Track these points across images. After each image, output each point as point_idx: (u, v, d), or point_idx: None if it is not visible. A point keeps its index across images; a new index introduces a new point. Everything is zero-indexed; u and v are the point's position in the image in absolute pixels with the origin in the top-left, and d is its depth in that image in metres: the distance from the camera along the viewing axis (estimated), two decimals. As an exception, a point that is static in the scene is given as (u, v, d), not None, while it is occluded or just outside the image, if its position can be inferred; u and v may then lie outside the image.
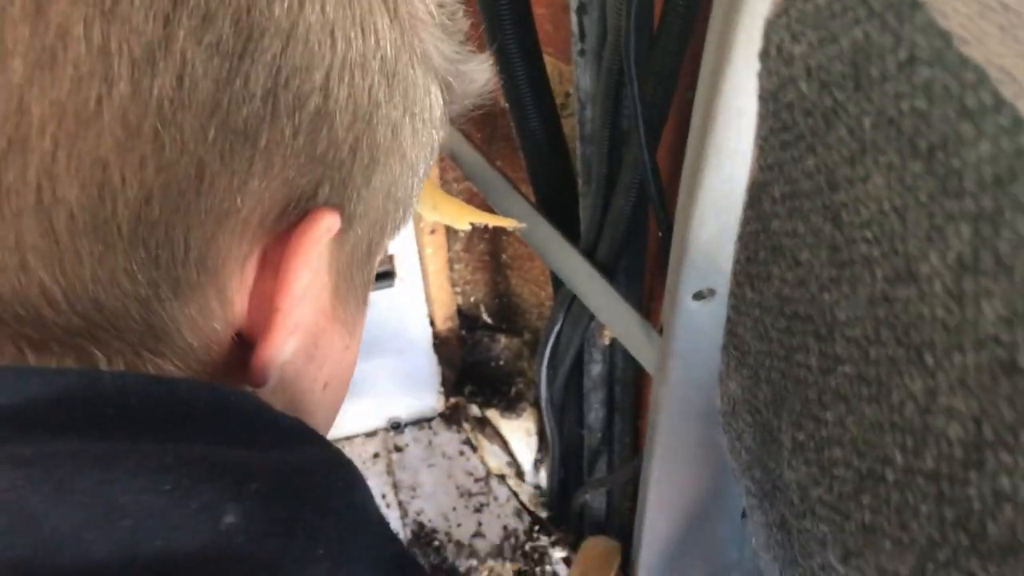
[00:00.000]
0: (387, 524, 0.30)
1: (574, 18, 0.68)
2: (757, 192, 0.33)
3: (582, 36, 0.68)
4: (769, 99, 0.29)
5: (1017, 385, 0.20)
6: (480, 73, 0.35)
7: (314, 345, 0.32)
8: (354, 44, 0.28)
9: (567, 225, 0.86)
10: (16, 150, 0.24)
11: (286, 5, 0.26)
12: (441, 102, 0.33)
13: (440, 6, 0.32)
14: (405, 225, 0.36)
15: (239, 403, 0.28)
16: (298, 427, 0.30)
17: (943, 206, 0.22)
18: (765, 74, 0.29)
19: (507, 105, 0.85)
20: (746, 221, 0.35)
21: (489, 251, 1.21)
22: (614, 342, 0.94)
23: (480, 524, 1.25)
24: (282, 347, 0.30)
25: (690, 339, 0.71)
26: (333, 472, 0.28)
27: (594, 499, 1.14)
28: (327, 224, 0.29)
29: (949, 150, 0.21)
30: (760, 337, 0.34)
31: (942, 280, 0.22)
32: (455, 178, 1.10)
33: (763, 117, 0.30)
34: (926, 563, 0.25)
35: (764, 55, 0.29)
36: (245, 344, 0.30)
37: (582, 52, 0.69)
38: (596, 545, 1.02)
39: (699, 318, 0.69)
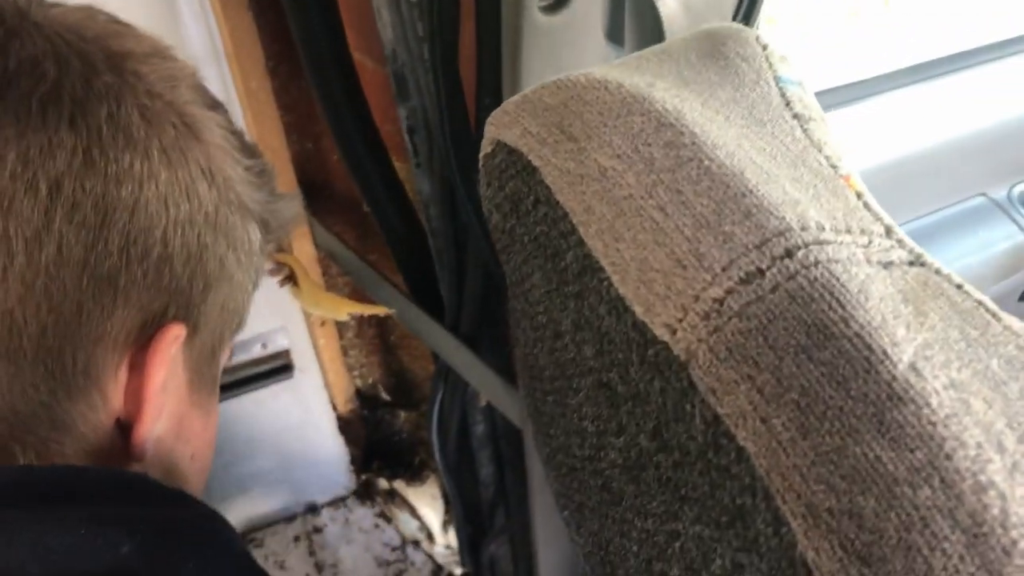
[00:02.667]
0: (251, 556, 0.41)
1: (407, 137, 0.82)
2: (507, 282, 0.46)
3: (415, 152, 0.82)
4: (488, 222, 0.42)
5: (606, 395, 0.33)
6: (289, 209, 0.48)
7: (179, 426, 0.43)
8: (182, 207, 0.39)
9: (434, 305, 0.98)
10: None
11: (130, 188, 0.37)
12: (259, 235, 0.45)
13: (247, 169, 0.44)
14: (242, 329, 0.47)
15: (134, 480, 0.39)
16: (180, 495, 0.41)
17: (563, 291, 0.35)
18: (483, 205, 0.42)
19: (368, 209, 0.98)
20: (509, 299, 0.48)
21: (379, 334, 1.32)
22: (490, 403, 1.06)
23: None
24: (152, 427, 0.40)
25: (540, 392, 0.84)
26: (204, 520, 0.39)
27: (500, 550, 1.24)
28: (175, 333, 0.40)
29: (559, 256, 0.35)
30: (523, 383, 0.47)
31: (568, 335, 0.35)
32: (339, 272, 1.22)
33: (490, 232, 0.44)
34: (600, 519, 0.37)
35: (480, 192, 0.42)
36: (125, 429, 0.40)
37: (418, 164, 0.83)
38: None
39: (541, 373, 0.81)
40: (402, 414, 1.37)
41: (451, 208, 0.83)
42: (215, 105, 0.44)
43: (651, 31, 0.56)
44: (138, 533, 0.34)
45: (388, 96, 0.94)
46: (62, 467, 0.38)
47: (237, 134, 0.45)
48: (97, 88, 0.37)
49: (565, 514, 0.43)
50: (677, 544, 0.30)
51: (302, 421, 1.32)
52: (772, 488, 0.25)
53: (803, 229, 0.28)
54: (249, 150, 0.46)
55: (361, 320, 1.29)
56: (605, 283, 0.32)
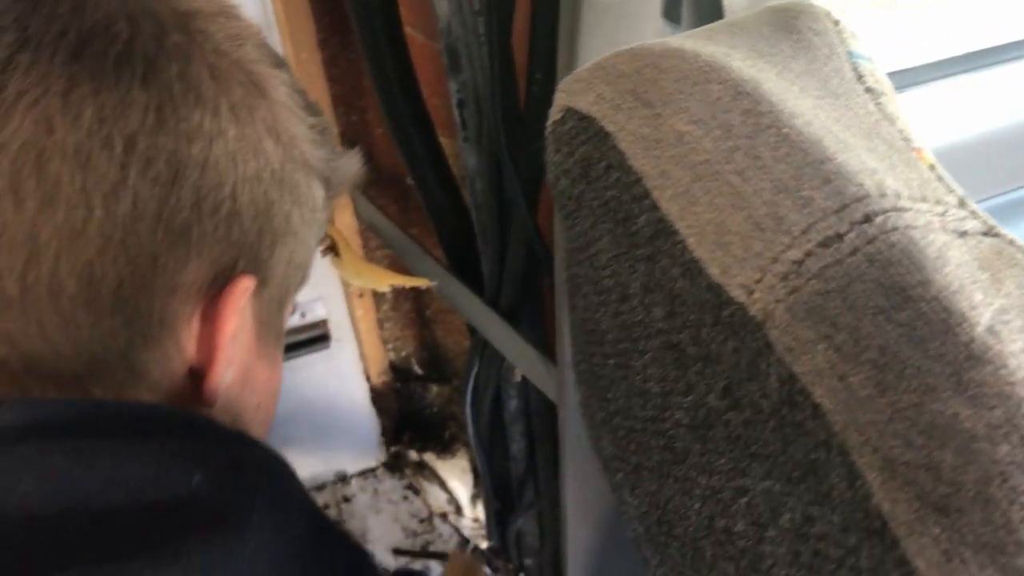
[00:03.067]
0: (311, 497, 0.42)
1: (456, 111, 0.82)
2: (564, 249, 0.47)
3: (464, 126, 0.83)
4: (553, 188, 0.43)
5: (674, 356, 0.34)
6: (351, 166, 0.49)
7: (246, 375, 0.45)
8: (250, 164, 0.40)
9: (474, 280, 0.99)
10: (33, 260, 0.36)
11: (200, 145, 0.38)
12: (322, 192, 0.46)
13: (311, 127, 0.45)
14: (305, 284, 0.49)
15: (201, 420, 0.41)
16: (244, 437, 0.42)
17: (634, 254, 0.36)
18: (549, 171, 0.43)
19: (413, 182, 0.99)
20: (565, 268, 0.49)
21: (415, 309, 1.34)
22: (525, 378, 1.07)
23: (427, 561, 1.36)
24: (223, 375, 0.42)
25: (579, 367, 0.85)
26: (269, 460, 0.41)
27: (527, 525, 1.26)
28: (245, 285, 0.41)
29: (631, 220, 0.36)
30: (578, 349, 0.48)
31: (637, 298, 0.36)
32: (377, 245, 1.24)
33: (554, 198, 0.45)
34: (660, 479, 0.38)
35: (547, 158, 0.43)
36: (197, 376, 0.42)
37: (466, 138, 0.84)
38: (457, 559, 1.15)
39: (581, 348, 0.82)
40: (434, 388, 1.38)
41: (497, 183, 0.84)
42: (279, 63, 0.45)
43: (709, 9, 0.57)
44: (208, 468, 0.36)
45: (436, 70, 0.95)
46: (135, 403, 0.40)
47: (301, 92, 0.46)
48: (167, 47, 0.39)
49: (619, 476, 0.44)
50: (744, 500, 0.31)
51: (336, 391, 1.34)
52: (848, 443, 0.26)
53: (881, 196, 0.29)
54: (312, 108, 0.47)
55: (398, 294, 1.31)
56: (679, 246, 0.32)
